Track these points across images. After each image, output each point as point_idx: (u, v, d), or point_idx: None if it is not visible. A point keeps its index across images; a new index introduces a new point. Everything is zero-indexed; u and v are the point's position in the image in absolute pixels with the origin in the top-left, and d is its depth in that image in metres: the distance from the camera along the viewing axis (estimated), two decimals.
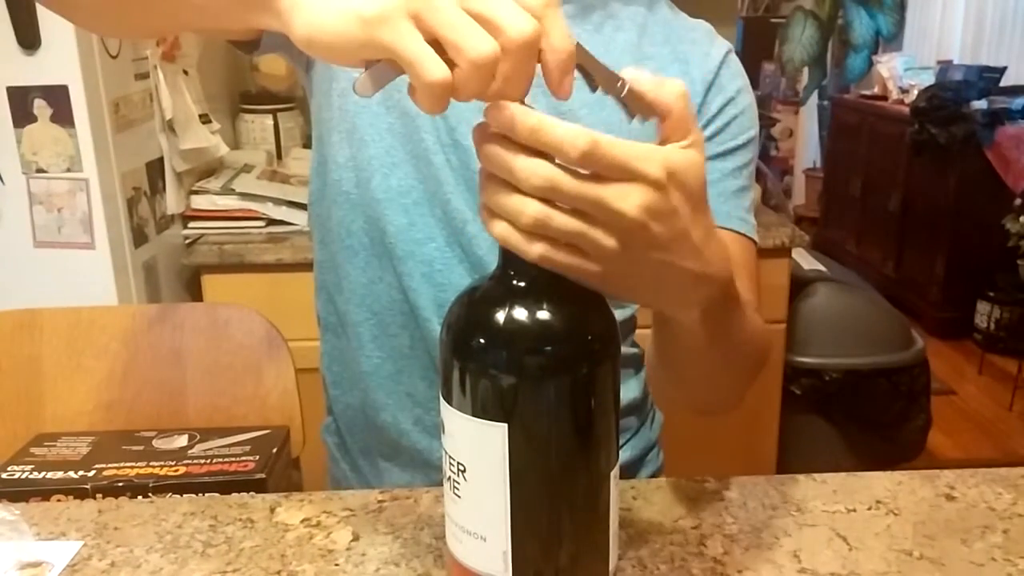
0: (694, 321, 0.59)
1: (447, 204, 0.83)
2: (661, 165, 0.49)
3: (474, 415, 0.52)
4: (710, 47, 0.87)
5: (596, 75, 0.51)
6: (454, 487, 0.55)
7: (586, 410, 0.53)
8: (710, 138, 0.84)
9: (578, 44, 0.50)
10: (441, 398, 0.55)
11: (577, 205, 0.48)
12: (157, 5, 0.64)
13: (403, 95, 0.79)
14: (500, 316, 0.52)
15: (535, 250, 0.49)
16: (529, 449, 0.52)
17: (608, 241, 0.49)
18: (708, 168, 0.82)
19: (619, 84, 0.51)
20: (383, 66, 0.48)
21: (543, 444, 0.53)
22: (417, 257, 0.84)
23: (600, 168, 0.47)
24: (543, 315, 0.52)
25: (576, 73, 0.50)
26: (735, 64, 0.88)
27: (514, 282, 0.53)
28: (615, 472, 0.56)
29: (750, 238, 0.85)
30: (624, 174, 0.48)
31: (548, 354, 0.52)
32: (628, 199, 0.48)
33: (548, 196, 0.48)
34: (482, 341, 0.53)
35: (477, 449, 0.53)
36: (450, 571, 0.59)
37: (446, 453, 0.55)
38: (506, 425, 0.51)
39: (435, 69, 0.46)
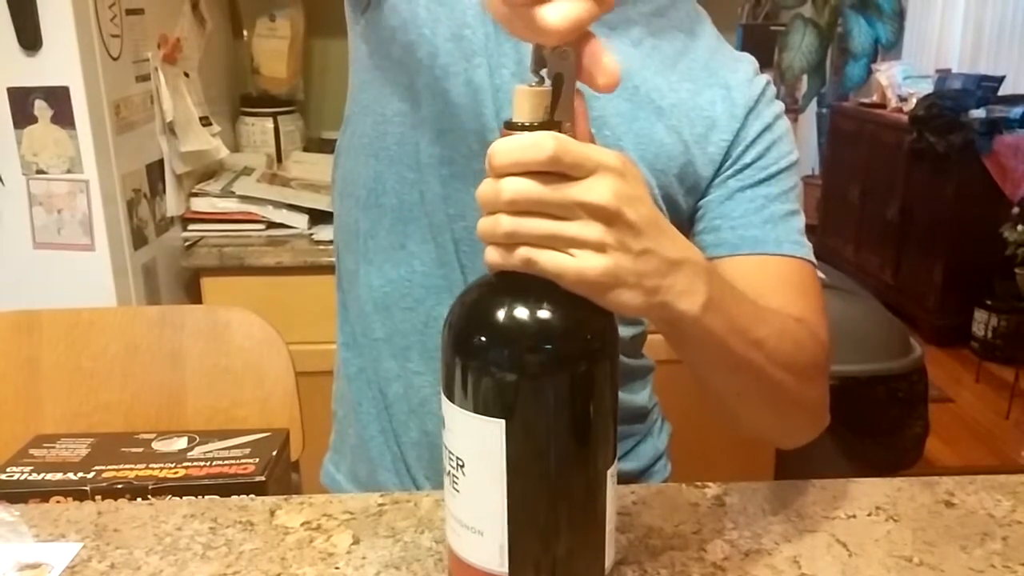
0: (699, 317, 0.58)
1: None
2: (616, 156, 0.53)
3: (472, 411, 0.53)
4: (753, 76, 0.87)
5: (563, 102, 0.53)
6: (453, 482, 0.55)
7: (583, 408, 0.54)
8: (751, 164, 0.84)
9: (575, 71, 0.52)
10: (442, 394, 0.55)
11: (550, 210, 0.51)
12: None
13: (472, 65, 0.81)
14: (498, 314, 0.54)
15: (518, 256, 0.52)
16: (526, 446, 0.53)
17: (591, 231, 0.51)
18: (751, 195, 0.83)
19: (567, 125, 0.53)
20: None
21: (540, 441, 0.53)
22: (449, 233, 0.83)
23: (567, 166, 0.51)
24: (540, 313, 0.53)
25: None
26: (771, 93, 0.88)
27: (514, 280, 0.54)
28: (612, 471, 0.56)
29: (807, 260, 0.83)
30: (587, 168, 0.51)
31: (544, 352, 0.53)
32: (598, 188, 0.51)
33: (522, 208, 0.51)
34: (479, 338, 0.54)
35: (475, 445, 0.53)
36: (449, 564, 0.59)
37: (446, 448, 0.56)
38: (504, 421, 0.52)
39: None
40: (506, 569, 0.55)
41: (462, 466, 0.54)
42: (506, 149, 0.51)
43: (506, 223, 0.51)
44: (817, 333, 0.77)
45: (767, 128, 0.85)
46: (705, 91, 0.84)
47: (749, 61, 0.89)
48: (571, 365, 0.53)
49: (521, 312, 0.53)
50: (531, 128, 0.51)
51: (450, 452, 0.55)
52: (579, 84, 0.53)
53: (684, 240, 0.59)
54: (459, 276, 0.83)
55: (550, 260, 0.52)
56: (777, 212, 0.83)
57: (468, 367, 0.53)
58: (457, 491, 0.55)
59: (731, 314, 0.63)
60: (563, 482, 0.54)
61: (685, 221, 0.85)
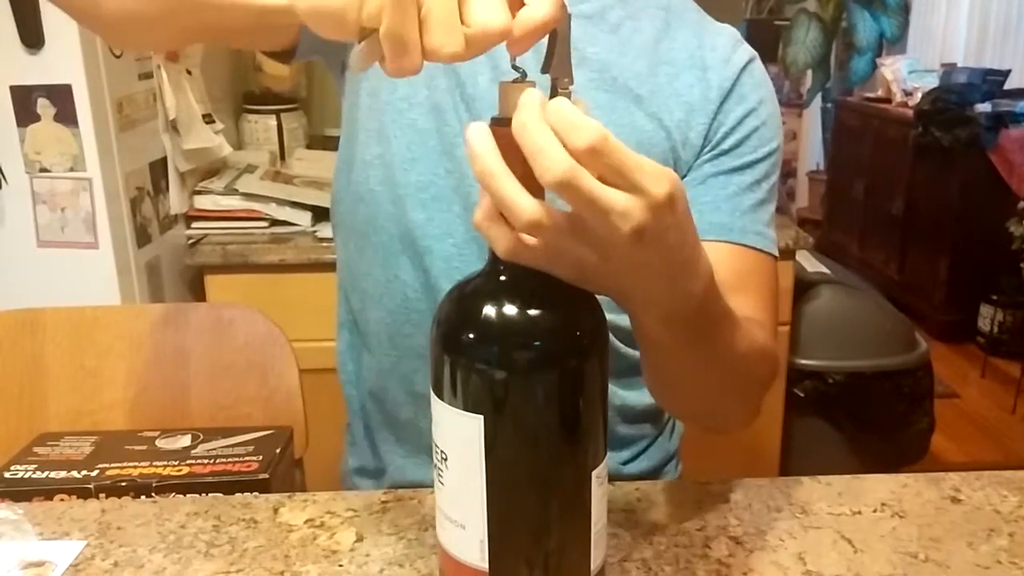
0: (660, 336, 0.58)
1: (469, 197, 0.83)
2: (667, 184, 0.47)
3: (452, 405, 0.53)
4: (732, 53, 0.85)
5: (557, 59, 0.51)
6: (439, 475, 0.56)
7: (562, 407, 0.54)
8: (728, 151, 0.83)
9: (568, 25, 0.50)
10: (431, 389, 0.56)
11: (583, 209, 0.46)
12: (172, 16, 0.63)
13: (432, 90, 0.82)
14: (474, 311, 0.54)
15: (507, 248, 0.49)
16: (504, 441, 0.53)
17: (591, 256, 0.49)
18: (724, 182, 0.83)
19: (566, 81, 0.51)
20: (375, 39, 0.48)
21: (518, 438, 0.53)
22: (436, 253, 0.84)
23: (604, 167, 0.45)
24: (516, 311, 0.53)
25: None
26: (758, 72, 0.86)
27: (500, 277, 0.54)
28: (599, 471, 0.56)
29: (767, 253, 0.83)
30: (627, 182, 0.46)
31: (521, 349, 0.53)
32: (628, 218, 0.46)
33: (563, 189, 0.45)
34: (456, 335, 0.54)
35: (456, 439, 0.54)
36: (439, 558, 0.60)
37: (433, 441, 0.56)
38: (482, 417, 0.52)
39: (410, 63, 0.47)
40: (487, 564, 0.55)
41: (445, 459, 0.55)
42: (562, 113, 0.45)
43: (539, 214, 0.46)
44: (771, 341, 0.78)
45: (750, 113, 0.84)
46: (683, 74, 0.84)
47: (729, 35, 0.87)
48: (548, 364, 0.53)
49: (497, 310, 0.53)
50: None
51: (436, 445, 0.56)
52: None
53: (697, 270, 0.54)
54: None
55: (540, 262, 0.50)
56: (747, 201, 0.83)
57: (448, 363, 0.53)
58: (442, 484, 0.56)
59: (701, 337, 0.60)
60: (542, 480, 0.54)
61: None
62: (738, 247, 0.81)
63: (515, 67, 0.51)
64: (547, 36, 0.50)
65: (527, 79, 0.51)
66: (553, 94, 0.51)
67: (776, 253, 0.85)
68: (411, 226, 0.84)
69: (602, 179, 0.46)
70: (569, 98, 0.49)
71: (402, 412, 0.92)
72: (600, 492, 0.56)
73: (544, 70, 0.51)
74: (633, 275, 0.51)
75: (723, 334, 0.63)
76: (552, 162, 0.44)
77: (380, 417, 0.95)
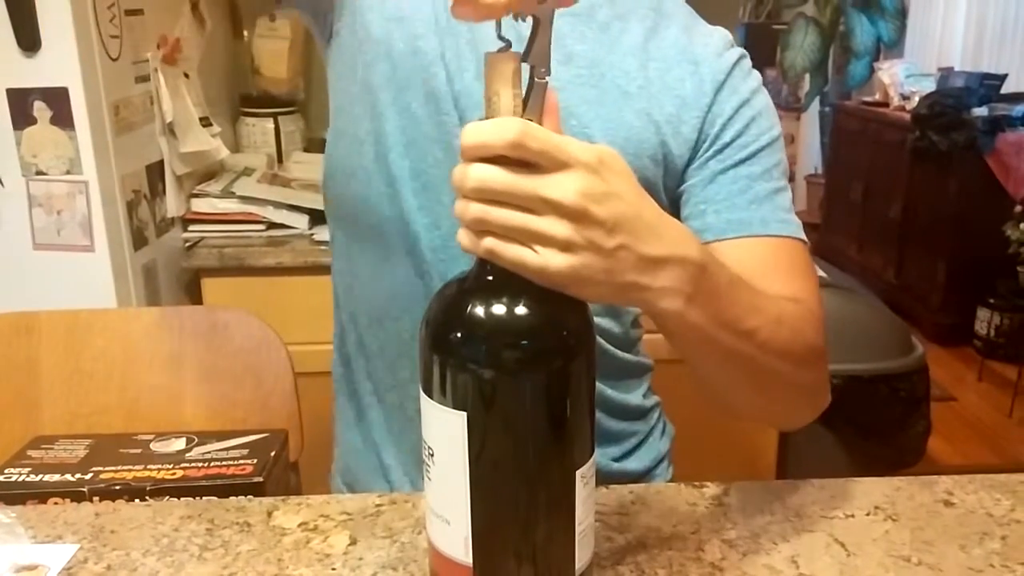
0: (682, 314, 0.58)
1: None
2: (593, 151, 0.52)
3: (437, 402, 0.54)
4: (723, 50, 0.85)
5: (538, 48, 0.52)
6: (426, 470, 0.56)
7: (545, 405, 0.54)
8: (731, 142, 0.83)
9: (551, 16, 0.52)
10: (420, 384, 0.56)
11: (516, 201, 0.51)
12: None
13: (430, 75, 0.81)
14: (459, 310, 0.55)
15: (483, 245, 0.52)
16: (487, 438, 0.53)
17: (557, 229, 0.51)
18: (733, 176, 0.82)
19: (543, 71, 0.52)
20: None
21: (501, 434, 0.54)
22: (424, 243, 0.84)
23: (533, 156, 0.50)
24: (499, 310, 0.53)
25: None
26: (748, 66, 0.86)
27: (487, 277, 0.54)
28: (584, 470, 0.56)
29: (795, 238, 0.81)
30: (557, 161, 0.50)
31: (502, 348, 0.53)
32: (564, 185, 0.50)
33: (486, 196, 0.51)
34: (446, 332, 0.55)
35: (442, 435, 0.54)
36: (429, 553, 0.60)
37: (422, 437, 0.57)
38: (465, 413, 0.53)
39: None
40: (471, 559, 0.55)
41: (432, 455, 0.55)
42: (472, 131, 0.51)
43: (474, 210, 0.51)
44: (815, 313, 0.76)
45: (745, 103, 0.84)
46: (674, 68, 0.84)
47: (721, 35, 0.88)
48: (531, 363, 0.53)
49: (482, 308, 0.53)
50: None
51: (424, 441, 0.56)
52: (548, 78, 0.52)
53: (677, 234, 0.57)
54: (439, 284, 0.83)
55: (513, 254, 0.51)
56: (761, 191, 0.82)
57: (433, 360, 0.54)
58: (430, 479, 0.56)
59: (719, 307, 0.61)
60: (525, 477, 0.54)
61: (667, 205, 0.84)
62: (762, 239, 0.80)
63: (501, 37, 0.51)
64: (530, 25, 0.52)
65: (512, 49, 0.51)
66: (530, 82, 0.52)
67: (804, 238, 0.82)
68: (406, 208, 0.84)
69: (538, 169, 0.50)
70: (544, 88, 0.52)
71: (388, 396, 0.91)
72: (585, 492, 0.56)
73: (523, 58, 0.51)
74: (618, 252, 0.53)
75: (742, 302, 0.64)
76: (466, 177, 0.51)
77: (370, 399, 0.95)
